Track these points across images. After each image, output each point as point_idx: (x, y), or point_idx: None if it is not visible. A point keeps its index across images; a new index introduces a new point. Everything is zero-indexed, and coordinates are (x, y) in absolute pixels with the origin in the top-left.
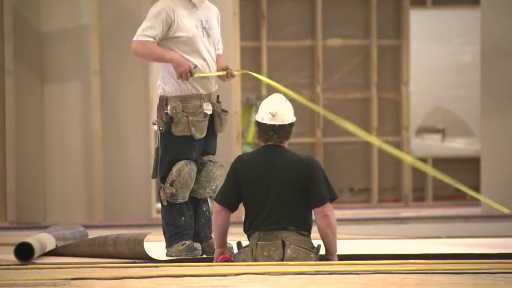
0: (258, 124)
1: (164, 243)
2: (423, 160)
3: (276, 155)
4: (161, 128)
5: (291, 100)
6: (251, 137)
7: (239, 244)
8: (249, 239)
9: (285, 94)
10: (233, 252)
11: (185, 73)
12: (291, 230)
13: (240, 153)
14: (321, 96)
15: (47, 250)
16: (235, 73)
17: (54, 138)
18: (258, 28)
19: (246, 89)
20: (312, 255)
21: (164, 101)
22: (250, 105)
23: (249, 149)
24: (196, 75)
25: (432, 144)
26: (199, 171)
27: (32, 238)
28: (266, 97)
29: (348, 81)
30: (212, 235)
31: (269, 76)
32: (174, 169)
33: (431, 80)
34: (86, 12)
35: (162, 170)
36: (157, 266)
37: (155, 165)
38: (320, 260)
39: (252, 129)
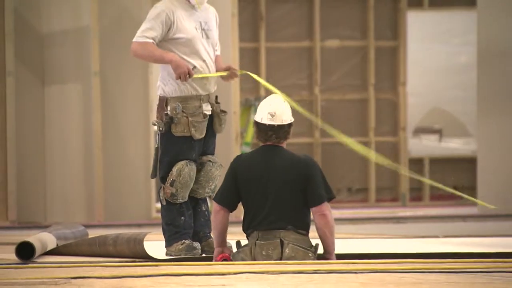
0: (257, 124)
1: (163, 243)
2: (420, 160)
3: (274, 155)
4: (161, 129)
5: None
6: (250, 137)
7: (238, 243)
8: (248, 239)
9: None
10: (232, 251)
11: (184, 74)
12: (289, 229)
13: (239, 153)
14: (319, 97)
15: (48, 249)
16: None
17: (54, 139)
18: (257, 29)
19: (245, 90)
20: (310, 254)
21: (164, 101)
22: (249, 106)
23: (247, 149)
24: (197, 75)
25: (429, 145)
26: (198, 171)
27: (33, 238)
28: (265, 97)
29: (345, 82)
30: (212, 234)
31: (267, 77)
32: (174, 169)
33: (428, 81)
34: (86, 13)
35: (162, 170)
36: (156, 265)
37: (155, 165)
38: (318, 259)
39: (251, 130)
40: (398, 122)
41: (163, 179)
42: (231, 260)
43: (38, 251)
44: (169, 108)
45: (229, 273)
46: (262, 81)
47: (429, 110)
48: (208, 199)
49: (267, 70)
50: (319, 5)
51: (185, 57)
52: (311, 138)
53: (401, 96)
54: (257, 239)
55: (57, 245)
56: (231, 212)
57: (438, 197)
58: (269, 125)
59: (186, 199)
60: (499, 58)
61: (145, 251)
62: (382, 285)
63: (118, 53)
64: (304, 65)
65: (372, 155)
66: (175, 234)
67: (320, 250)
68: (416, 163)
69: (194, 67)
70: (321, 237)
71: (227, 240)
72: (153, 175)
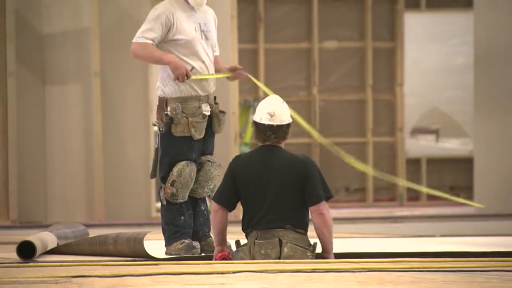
0: (256, 124)
1: (163, 242)
2: (418, 160)
3: (273, 155)
4: (161, 129)
5: (288, 103)
6: (248, 138)
7: (237, 242)
8: (247, 238)
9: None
10: (232, 250)
11: (182, 76)
12: (288, 228)
13: (238, 154)
14: (317, 98)
15: (49, 248)
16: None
17: (55, 139)
18: (256, 30)
19: (244, 90)
20: (308, 253)
21: (164, 102)
22: (248, 107)
23: (246, 150)
24: (200, 77)
25: (426, 145)
26: (197, 171)
27: (34, 237)
28: (264, 98)
29: (343, 83)
30: (211, 234)
31: (266, 78)
32: (175, 170)
33: (425, 82)
34: (86, 14)
35: (163, 170)
36: (156, 264)
37: (154, 165)
38: (316, 258)
39: (250, 130)
40: (395, 122)
41: (163, 179)
42: (230, 259)
43: (39, 250)
44: (169, 108)
45: (228, 272)
46: (261, 85)
47: (426, 110)
48: (207, 199)
49: (265, 71)
50: (317, 7)
51: (184, 58)
52: (309, 138)
53: (398, 97)
54: (256, 238)
55: (57, 244)
56: (230, 211)
57: (435, 197)
58: (268, 125)
59: (186, 199)
60: (496, 59)
61: (145, 250)
62: (380, 284)
63: (118, 54)
64: (303, 66)
65: (370, 171)
66: (175, 234)
67: (319, 249)
68: (413, 163)
69: (192, 68)
70: (319, 236)
71: (227, 240)
72: (153, 175)
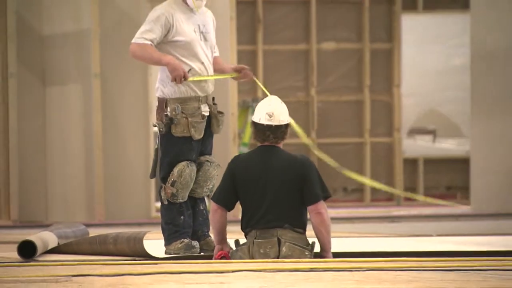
0: (255, 124)
1: (163, 241)
2: (415, 160)
3: (272, 155)
4: (161, 130)
5: (287, 103)
6: (247, 138)
7: (236, 242)
8: (246, 237)
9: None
10: (232, 248)
11: (179, 77)
12: (286, 228)
13: (236, 154)
14: (316, 99)
15: (49, 248)
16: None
17: (55, 139)
18: (254, 32)
19: (243, 91)
20: (306, 253)
21: (163, 103)
22: (247, 107)
23: (245, 150)
24: (206, 77)
25: (424, 145)
26: (197, 171)
27: (35, 236)
28: (262, 99)
29: (341, 84)
30: (210, 233)
31: (265, 79)
32: (176, 170)
33: (422, 83)
34: (86, 15)
35: (163, 170)
36: (156, 263)
37: (154, 165)
38: (315, 257)
39: (249, 130)
40: (392, 123)
41: (163, 180)
42: (230, 257)
43: (39, 249)
44: (168, 109)
45: (227, 271)
46: (263, 88)
47: (423, 111)
48: (206, 199)
49: (264, 72)
50: (315, 8)
51: (184, 59)
52: (308, 139)
53: (395, 98)
54: (255, 238)
55: (58, 243)
56: (229, 211)
57: (432, 196)
58: (266, 125)
59: (186, 199)
60: (492, 60)
61: (144, 249)
62: (377, 283)
63: (118, 55)
64: (301, 67)
65: (368, 182)
66: (175, 233)
67: (318, 249)
68: (411, 164)
69: (189, 70)
70: (317, 236)
71: (228, 239)
72: (152, 176)
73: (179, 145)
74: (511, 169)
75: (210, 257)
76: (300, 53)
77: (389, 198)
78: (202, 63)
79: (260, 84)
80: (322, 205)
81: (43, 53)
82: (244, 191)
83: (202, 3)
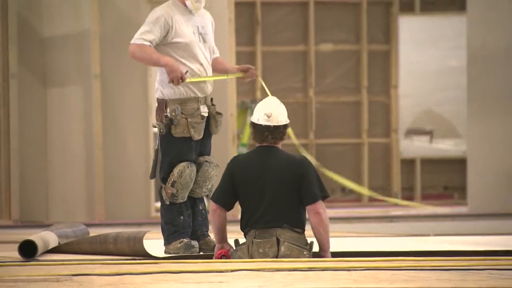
0: (254, 125)
1: (162, 241)
2: (412, 161)
3: (270, 156)
4: (161, 130)
5: (285, 104)
6: (246, 139)
7: (236, 241)
8: (245, 237)
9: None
10: (232, 247)
11: (177, 79)
12: (285, 227)
13: (235, 154)
14: (314, 99)
15: (50, 247)
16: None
17: (56, 140)
18: (253, 33)
19: (241, 92)
20: (305, 252)
21: (163, 104)
22: (245, 108)
23: (244, 150)
24: (205, 78)
25: (421, 145)
26: (196, 171)
27: (36, 236)
28: (261, 100)
29: (339, 85)
30: (210, 233)
31: (264, 80)
32: (176, 171)
33: (420, 84)
34: (86, 16)
35: (163, 171)
36: (156, 263)
37: (154, 166)
38: (314, 257)
39: (248, 131)
40: (390, 123)
41: (164, 180)
42: (230, 256)
43: (40, 249)
44: (168, 110)
45: (226, 271)
46: (267, 89)
47: (420, 112)
48: (205, 199)
49: (263, 73)
50: (313, 10)
51: (183, 60)
52: (306, 139)
53: (393, 99)
54: (254, 238)
55: (59, 243)
56: (228, 211)
57: (429, 196)
58: (265, 125)
59: (185, 199)
60: (488, 61)
61: (144, 249)
62: (375, 282)
63: (118, 56)
64: (299, 69)
65: (365, 191)
66: (174, 233)
67: (317, 248)
68: (408, 164)
69: (187, 71)
70: (316, 235)
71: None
72: (152, 176)
73: (179, 146)
74: (508, 169)
75: (209, 257)
76: (299, 55)
77: None
78: (201, 64)
79: (264, 84)
80: (320, 205)
81: (43, 54)
82: (243, 191)
83: (201, 5)
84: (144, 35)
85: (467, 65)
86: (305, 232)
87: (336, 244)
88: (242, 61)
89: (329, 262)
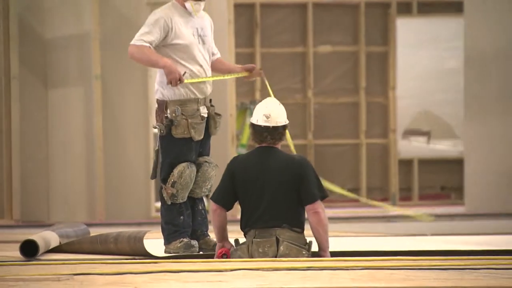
0: (253, 126)
1: (162, 241)
2: (410, 161)
3: (270, 156)
4: (161, 131)
5: (284, 105)
6: (245, 139)
7: (236, 241)
8: (245, 237)
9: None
10: (233, 246)
11: (175, 80)
12: (284, 227)
13: (235, 155)
14: (312, 100)
15: (51, 247)
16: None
17: (57, 140)
18: (252, 35)
19: (241, 93)
20: (304, 252)
21: (163, 105)
22: (245, 109)
23: (243, 151)
24: (205, 79)
25: (418, 146)
26: (195, 171)
27: (37, 236)
28: (260, 101)
29: (338, 86)
30: (209, 232)
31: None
32: (176, 171)
33: (417, 85)
34: (87, 18)
35: (164, 171)
36: (156, 262)
37: (155, 166)
38: (313, 256)
39: (247, 132)
40: (388, 124)
41: (164, 180)
42: (230, 255)
43: (41, 248)
44: (168, 111)
45: (226, 270)
46: (270, 89)
47: (418, 113)
48: (204, 199)
49: None
50: (312, 12)
51: (183, 62)
52: (304, 140)
53: (391, 100)
54: (254, 237)
55: (60, 243)
56: (228, 210)
57: (427, 197)
58: (264, 126)
59: (185, 200)
60: (485, 63)
61: (145, 248)
62: (373, 282)
63: (119, 57)
64: (298, 70)
65: (362, 199)
66: (174, 233)
67: (316, 248)
68: (406, 164)
69: (185, 73)
70: (315, 235)
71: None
72: (153, 176)
73: (179, 146)
74: (505, 169)
75: (209, 256)
76: (297, 56)
77: (385, 198)
78: (201, 65)
79: (267, 84)
80: (319, 205)
81: (45, 55)
82: (242, 191)
83: (201, 7)
84: (144, 36)
85: (464, 67)
86: (305, 232)
87: (334, 244)
88: (242, 62)
89: (327, 262)
